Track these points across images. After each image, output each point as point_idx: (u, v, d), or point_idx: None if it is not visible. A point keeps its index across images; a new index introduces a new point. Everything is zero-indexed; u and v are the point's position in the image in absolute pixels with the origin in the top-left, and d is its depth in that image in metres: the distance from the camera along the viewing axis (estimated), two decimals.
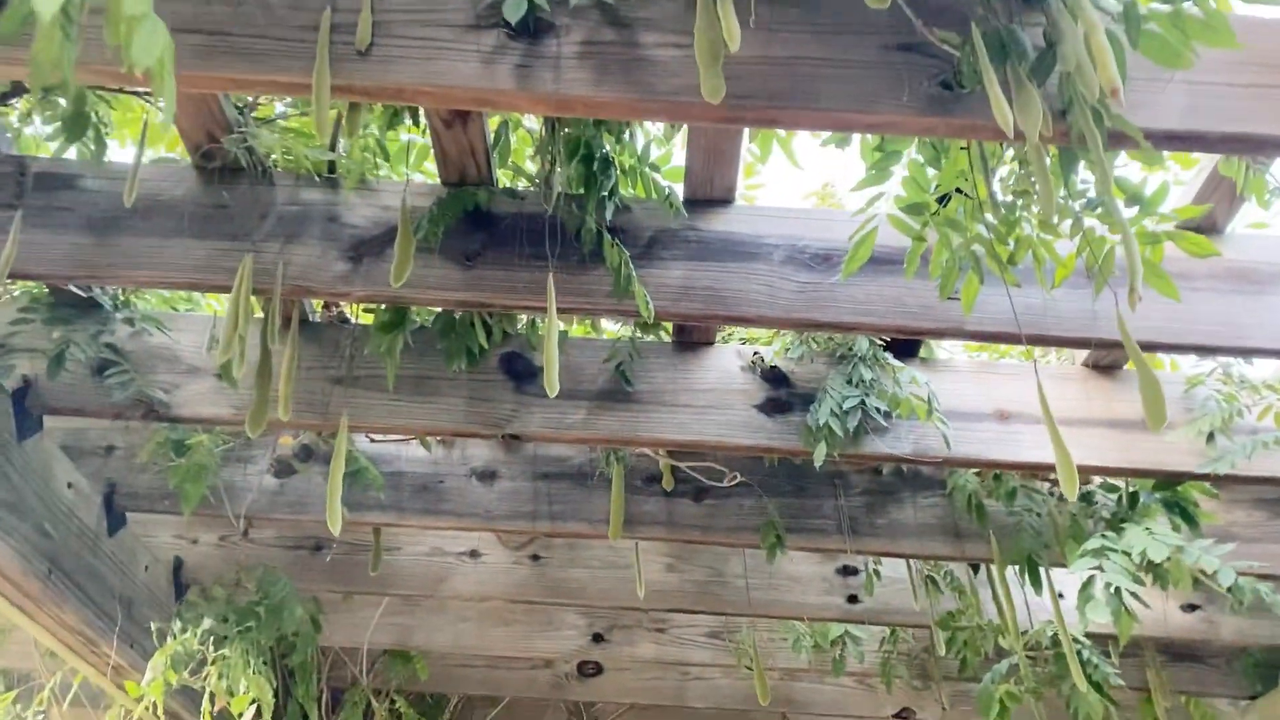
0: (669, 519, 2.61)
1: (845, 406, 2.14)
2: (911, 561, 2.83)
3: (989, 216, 1.61)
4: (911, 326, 1.91)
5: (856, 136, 1.72)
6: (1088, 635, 2.41)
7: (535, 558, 3.03)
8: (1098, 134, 1.34)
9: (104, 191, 1.94)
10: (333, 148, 1.95)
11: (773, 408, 2.24)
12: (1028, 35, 1.39)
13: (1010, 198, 1.62)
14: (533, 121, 1.97)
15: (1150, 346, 1.90)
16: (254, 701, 2.52)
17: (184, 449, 2.48)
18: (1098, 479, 2.42)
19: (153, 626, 2.64)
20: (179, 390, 2.26)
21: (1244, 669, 3.21)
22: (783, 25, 1.48)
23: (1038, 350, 2.38)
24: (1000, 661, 2.54)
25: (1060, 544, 2.39)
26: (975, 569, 2.84)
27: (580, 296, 1.92)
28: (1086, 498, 2.42)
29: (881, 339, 2.24)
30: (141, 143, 1.86)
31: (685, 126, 1.86)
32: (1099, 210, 1.52)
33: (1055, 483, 2.50)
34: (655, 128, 1.94)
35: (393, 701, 3.55)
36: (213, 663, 2.55)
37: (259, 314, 2.12)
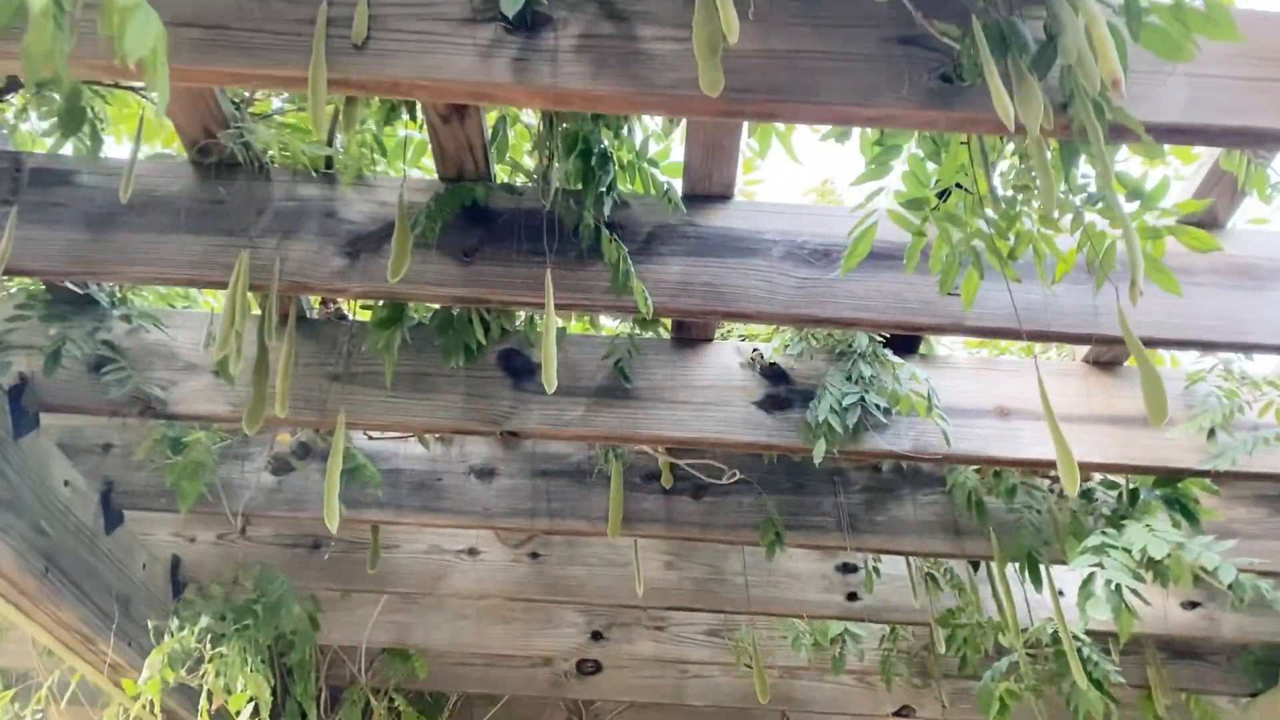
0: (668, 516, 2.60)
1: (845, 403, 2.14)
2: (911, 559, 2.82)
3: (989, 211, 1.60)
4: (911, 322, 1.91)
5: (856, 131, 1.71)
6: (1088, 632, 2.40)
7: (534, 555, 3.02)
8: (1099, 127, 1.33)
9: (100, 187, 1.93)
10: (330, 143, 1.94)
11: (772, 404, 2.23)
12: (1028, 28, 1.38)
13: (1010, 192, 1.61)
14: (530, 117, 1.96)
15: (1151, 342, 1.89)
16: (251, 699, 2.51)
17: (181, 446, 2.47)
18: (1098, 476, 2.42)
19: (150, 624, 2.63)
20: (176, 387, 2.25)
21: (1245, 666, 3.20)
22: (782, 18, 1.47)
23: (1038, 347, 2.37)
24: (1000, 659, 2.53)
25: (1060, 541, 2.38)
26: (975, 566, 2.83)
27: (578, 292, 1.91)
28: (1087, 494, 2.41)
29: (881, 335, 2.23)
30: (137, 138, 1.85)
31: (684, 121, 1.85)
32: (1100, 205, 1.52)
33: (1055, 479, 2.49)
34: (654, 123, 1.93)
35: (391, 700, 3.54)
36: (210, 661, 2.54)
37: (256, 311, 2.11)
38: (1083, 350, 2.28)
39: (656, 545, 2.97)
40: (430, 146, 1.88)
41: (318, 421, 2.25)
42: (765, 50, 1.46)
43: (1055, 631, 2.41)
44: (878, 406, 2.14)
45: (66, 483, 2.46)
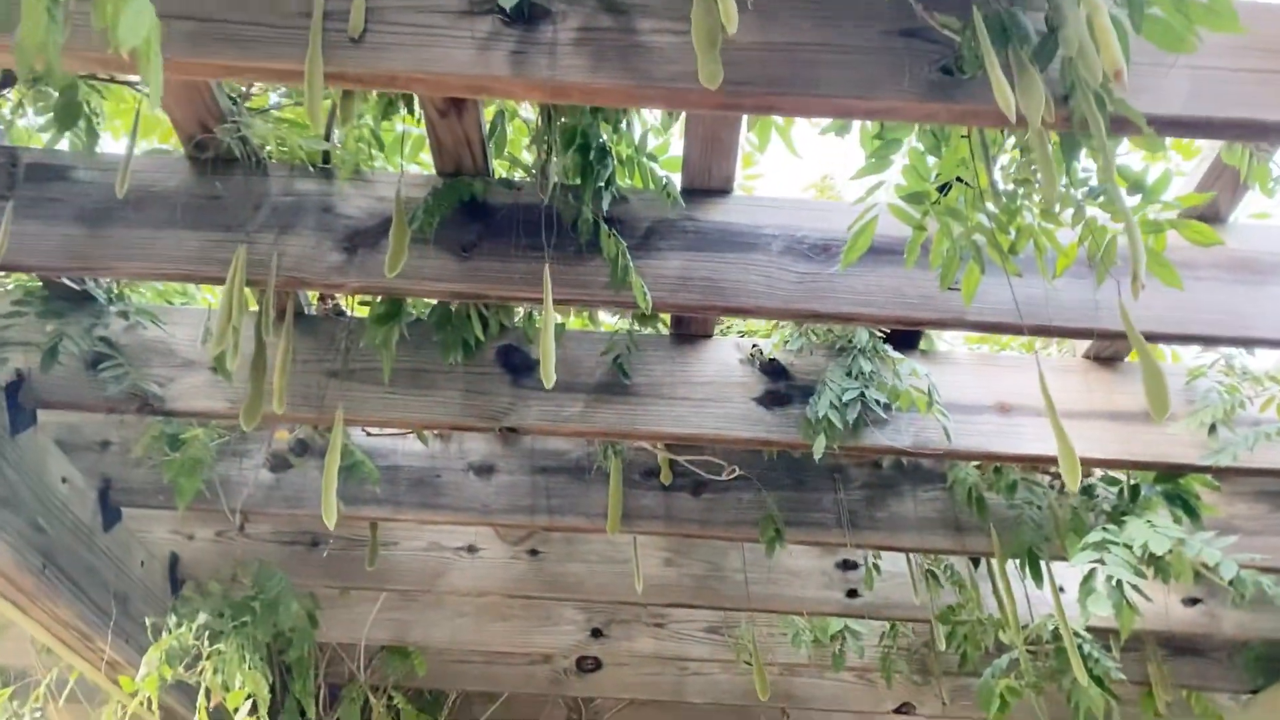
0: (667, 513, 2.59)
1: (845, 399, 2.13)
2: (911, 555, 2.82)
3: (990, 205, 1.59)
4: (911, 317, 1.90)
5: (856, 125, 1.70)
6: (1089, 629, 2.40)
7: (533, 552, 3.01)
8: (1100, 119, 1.32)
9: (96, 183, 1.92)
10: (327, 138, 1.93)
11: (771, 400, 2.22)
12: (1029, 19, 1.38)
13: (1011, 186, 1.60)
14: (529, 111, 1.95)
15: (1153, 337, 1.89)
16: (250, 697, 2.50)
17: (179, 443, 2.46)
18: (1099, 471, 2.41)
19: (148, 622, 2.63)
20: (173, 384, 2.24)
21: (1245, 663, 3.19)
22: (781, 10, 1.46)
23: (1039, 342, 2.36)
24: (1001, 656, 2.53)
25: (1061, 537, 2.37)
26: (976, 563, 2.82)
27: (577, 287, 1.90)
28: (1087, 490, 2.40)
29: (881, 331, 2.23)
30: (133, 132, 1.84)
31: (683, 115, 1.84)
32: (1101, 199, 1.51)
33: (1056, 475, 2.48)
34: (653, 116, 1.93)
35: (390, 698, 3.53)
36: (208, 658, 2.53)
37: (254, 307, 2.11)
38: (1083, 346, 2.28)
39: (656, 542, 2.96)
40: (428, 141, 1.87)
41: (316, 418, 2.24)
42: (764, 43, 1.45)
43: (1056, 628, 2.40)
44: (878, 402, 2.14)
45: (64, 480, 2.45)
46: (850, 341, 2.23)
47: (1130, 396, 2.22)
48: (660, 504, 2.59)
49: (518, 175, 1.98)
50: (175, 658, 2.48)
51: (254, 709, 2.53)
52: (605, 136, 1.85)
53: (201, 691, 2.52)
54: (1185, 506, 2.29)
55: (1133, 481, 2.35)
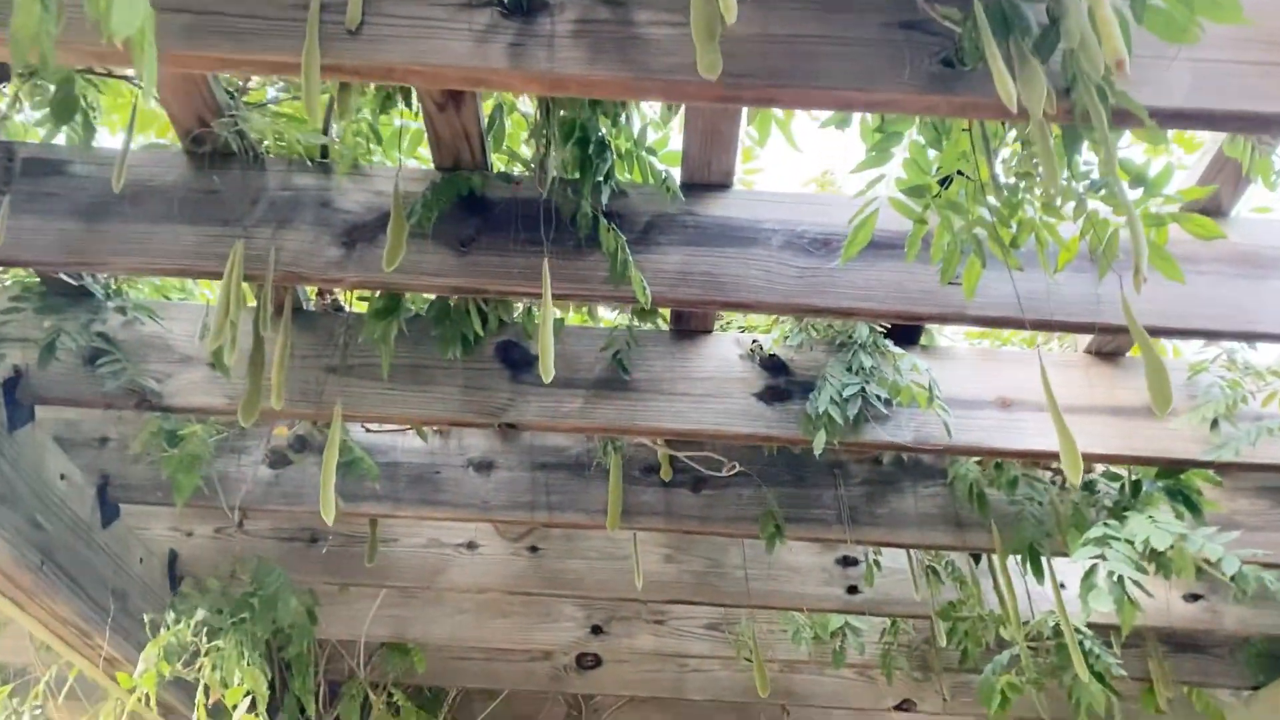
0: (667, 509, 2.59)
1: (845, 394, 2.12)
2: (912, 552, 2.81)
3: (991, 199, 1.58)
4: (912, 312, 1.89)
5: (856, 117, 1.69)
6: (1090, 625, 2.39)
7: (533, 549, 3.01)
8: (1102, 111, 1.31)
9: (93, 177, 1.91)
10: (325, 132, 1.92)
11: (772, 396, 2.22)
12: (1031, 10, 1.37)
13: (1013, 180, 1.59)
14: (527, 105, 1.94)
15: (1155, 331, 1.88)
16: (248, 693, 2.50)
17: (177, 439, 2.45)
18: (1100, 467, 2.40)
19: (146, 618, 2.62)
20: (171, 379, 2.23)
21: (1247, 659, 3.19)
22: (781, 2, 1.45)
23: (1040, 337, 2.36)
24: (1002, 652, 2.53)
25: (1062, 533, 2.36)
26: (976, 559, 2.81)
27: (576, 282, 1.89)
28: (1089, 486, 2.40)
29: (882, 325, 2.22)
30: (130, 127, 1.83)
31: (682, 110, 1.83)
32: (1102, 192, 1.50)
33: (1057, 471, 2.48)
34: (652, 110, 1.92)
35: (390, 694, 3.53)
36: (206, 654, 2.53)
37: (252, 302, 2.10)
38: (1084, 341, 2.27)
39: (656, 538, 2.96)
40: (426, 135, 1.86)
41: (314, 414, 2.23)
42: (764, 35, 1.44)
43: (1057, 624, 2.40)
44: (878, 398, 2.13)
45: (63, 476, 2.44)
46: (851, 337, 2.22)
47: (1132, 391, 2.21)
48: (660, 500, 2.59)
49: (516, 169, 1.97)
50: (174, 654, 2.48)
51: (253, 706, 2.53)
52: (604, 130, 1.84)
53: (200, 688, 2.51)
54: (1187, 502, 2.28)
55: (1134, 477, 2.34)
